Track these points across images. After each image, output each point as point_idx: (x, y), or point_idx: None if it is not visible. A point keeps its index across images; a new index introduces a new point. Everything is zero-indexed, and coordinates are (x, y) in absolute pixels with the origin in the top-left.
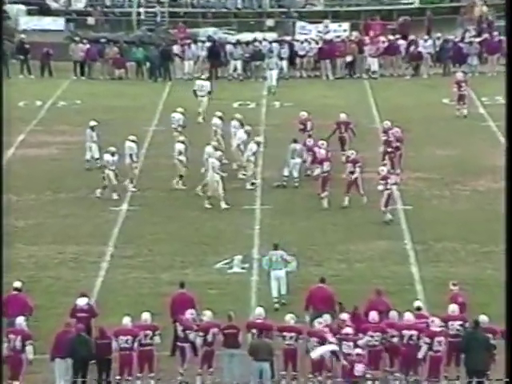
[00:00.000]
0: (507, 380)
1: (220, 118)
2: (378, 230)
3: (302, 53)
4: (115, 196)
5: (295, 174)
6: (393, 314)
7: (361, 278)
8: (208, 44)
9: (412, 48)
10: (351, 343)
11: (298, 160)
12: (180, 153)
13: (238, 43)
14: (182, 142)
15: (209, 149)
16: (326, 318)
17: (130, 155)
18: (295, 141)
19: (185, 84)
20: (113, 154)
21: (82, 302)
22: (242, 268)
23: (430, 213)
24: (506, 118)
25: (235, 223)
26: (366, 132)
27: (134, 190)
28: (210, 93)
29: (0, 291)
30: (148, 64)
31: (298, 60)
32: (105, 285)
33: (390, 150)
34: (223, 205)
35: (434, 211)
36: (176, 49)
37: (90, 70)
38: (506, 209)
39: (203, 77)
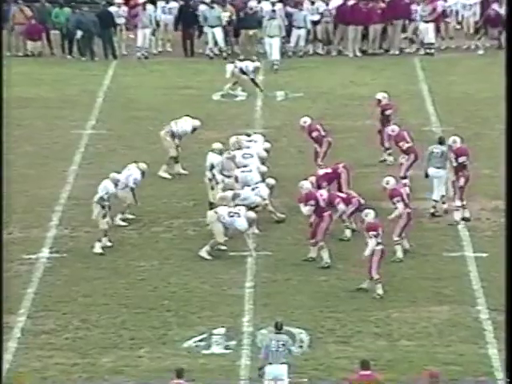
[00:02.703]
0: (507, 380)
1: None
2: (436, 288)
3: (315, 18)
4: (108, 242)
5: (449, 192)
6: None
7: (409, 362)
8: (175, 5)
9: (489, 9)
10: None
11: (443, 173)
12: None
13: (218, 3)
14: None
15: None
16: None
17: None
18: (441, 141)
19: (137, 64)
20: (116, 184)
21: None
22: (226, 348)
23: None
24: (506, 118)
25: (215, 279)
26: (416, 139)
27: (132, 216)
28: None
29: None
30: (79, 33)
31: (311, 28)
32: (13, 375)
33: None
34: (203, 253)
35: None
36: (123, 11)
37: None
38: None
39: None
